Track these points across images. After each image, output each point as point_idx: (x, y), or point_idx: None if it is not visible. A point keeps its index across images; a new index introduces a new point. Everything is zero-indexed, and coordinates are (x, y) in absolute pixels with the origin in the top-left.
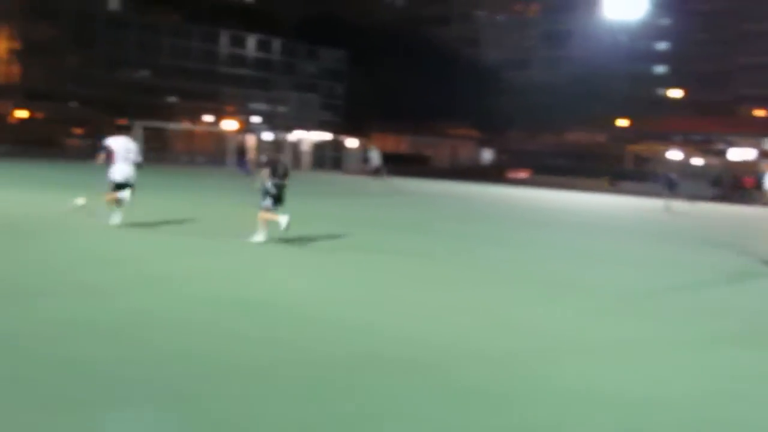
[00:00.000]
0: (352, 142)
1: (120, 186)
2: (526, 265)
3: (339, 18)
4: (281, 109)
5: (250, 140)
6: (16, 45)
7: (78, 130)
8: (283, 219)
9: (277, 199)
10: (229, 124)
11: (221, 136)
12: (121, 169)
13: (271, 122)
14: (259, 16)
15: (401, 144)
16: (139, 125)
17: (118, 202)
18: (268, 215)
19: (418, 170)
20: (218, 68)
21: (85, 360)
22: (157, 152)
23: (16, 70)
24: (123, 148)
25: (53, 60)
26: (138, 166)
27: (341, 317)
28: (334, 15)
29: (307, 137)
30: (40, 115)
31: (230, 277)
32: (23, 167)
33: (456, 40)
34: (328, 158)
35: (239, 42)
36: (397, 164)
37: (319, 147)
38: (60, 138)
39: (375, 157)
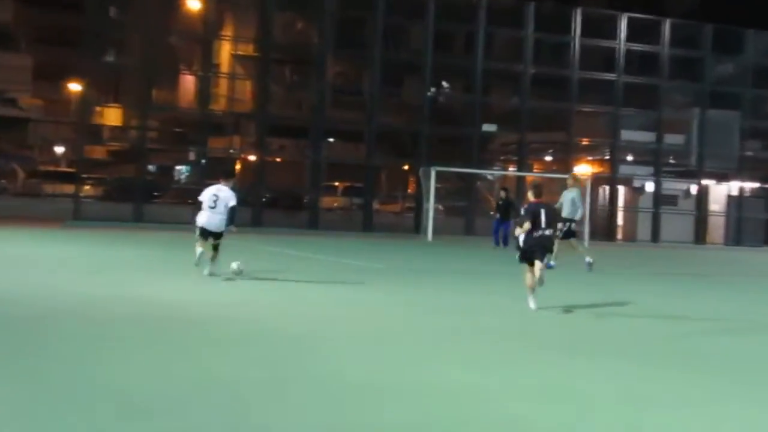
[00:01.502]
0: None
1: None
2: None
3: None
4: (674, 139)
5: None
6: None
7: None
8: (538, 274)
9: (534, 256)
10: (581, 169)
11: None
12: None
13: (655, 163)
14: None
15: None
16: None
17: None
18: (528, 278)
19: None
20: (564, 72)
21: None
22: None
23: None
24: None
25: None
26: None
27: None
28: None
29: (722, 187)
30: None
31: None
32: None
33: None
34: (756, 223)
35: (600, 25)
36: None
37: (746, 203)
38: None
39: None
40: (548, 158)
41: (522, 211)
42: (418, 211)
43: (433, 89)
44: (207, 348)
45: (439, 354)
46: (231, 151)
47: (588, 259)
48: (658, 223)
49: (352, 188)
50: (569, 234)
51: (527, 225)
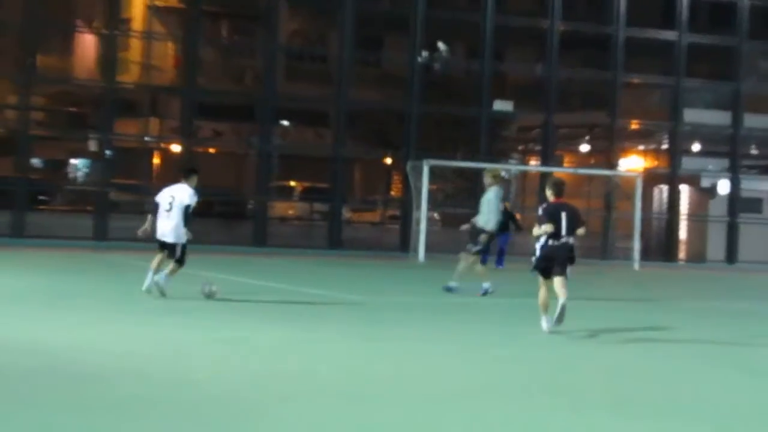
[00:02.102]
0: None
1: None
2: None
3: None
4: (757, 121)
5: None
6: None
7: None
8: (560, 293)
9: (552, 267)
10: (630, 163)
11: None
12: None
13: (732, 154)
14: None
15: None
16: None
17: None
18: (542, 294)
19: None
20: (606, 30)
21: None
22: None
23: None
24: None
25: None
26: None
27: None
28: None
29: None
30: None
31: None
32: None
33: None
34: None
35: None
36: None
37: None
38: None
39: None
40: (584, 148)
41: (539, 212)
42: (406, 221)
43: (425, 53)
44: (92, 416)
45: (447, 422)
46: (147, 139)
47: (486, 284)
48: (734, 237)
49: (314, 190)
50: (484, 250)
51: (548, 227)
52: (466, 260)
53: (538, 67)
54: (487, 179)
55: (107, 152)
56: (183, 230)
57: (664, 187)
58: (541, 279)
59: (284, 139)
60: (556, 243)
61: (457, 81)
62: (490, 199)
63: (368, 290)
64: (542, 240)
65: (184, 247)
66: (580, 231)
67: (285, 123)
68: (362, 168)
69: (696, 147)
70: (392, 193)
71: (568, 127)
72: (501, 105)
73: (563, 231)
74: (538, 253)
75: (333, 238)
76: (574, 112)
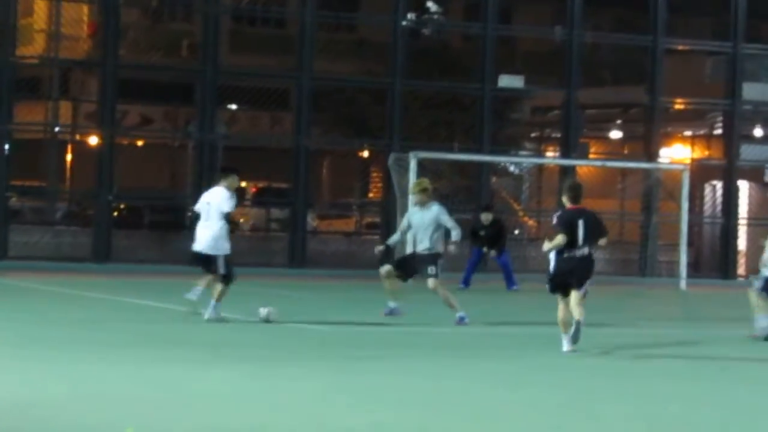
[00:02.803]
0: None
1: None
2: None
3: None
4: None
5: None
6: None
7: None
8: (575, 311)
9: (569, 282)
10: (675, 153)
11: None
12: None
13: None
14: None
15: None
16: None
17: None
18: (561, 311)
19: None
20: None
21: None
22: None
23: None
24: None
25: None
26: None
27: None
28: None
29: None
30: None
31: None
32: None
33: None
34: None
35: None
36: None
37: None
38: None
39: None
40: (616, 134)
41: (554, 220)
42: (388, 230)
43: (411, 14)
44: None
45: None
46: (56, 129)
47: (391, 304)
48: None
49: (271, 192)
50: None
51: (560, 239)
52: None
53: (557, 31)
54: (417, 196)
55: (5, 147)
56: (224, 240)
57: (718, 184)
58: (559, 297)
59: (231, 126)
60: (572, 255)
61: (452, 50)
62: (436, 216)
63: (340, 318)
64: (553, 256)
65: (227, 260)
66: (602, 241)
67: (232, 107)
68: (332, 163)
69: (759, 132)
70: (371, 195)
71: (596, 107)
72: (509, 80)
73: (580, 241)
74: (552, 267)
75: (295, 254)
76: (603, 87)
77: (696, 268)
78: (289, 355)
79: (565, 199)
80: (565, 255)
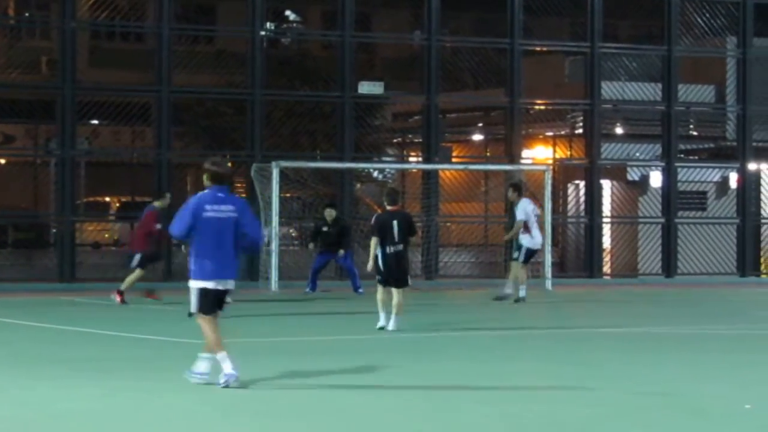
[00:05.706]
0: None
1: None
2: None
3: None
4: (697, 93)
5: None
6: None
7: None
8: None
9: (390, 277)
10: (536, 154)
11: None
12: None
13: (665, 137)
14: None
15: None
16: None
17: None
18: (380, 292)
19: None
20: None
21: None
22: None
23: None
24: None
25: None
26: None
27: None
28: None
29: None
30: None
31: None
32: None
33: None
34: None
35: None
36: None
37: None
38: None
39: None
40: (477, 138)
41: (372, 221)
42: None
43: (269, 24)
44: None
45: None
46: None
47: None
48: (671, 243)
49: (136, 206)
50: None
51: (373, 241)
52: None
53: (415, 36)
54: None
55: None
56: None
57: (581, 183)
58: (380, 288)
59: (93, 142)
60: (390, 251)
61: (312, 58)
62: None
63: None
64: (379, 254)
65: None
66: (413, 239)
67: (94, 122)
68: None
69: (619, 130)
70: None
71: (457, 111)
72: (369, 87)
73: (396, 238)
74: (380, 263)
75: (165, 267)
76: (463, 91)
77: (561, 268)
78: (165, 372)
79: (385, 203)
80: (388, 251)
